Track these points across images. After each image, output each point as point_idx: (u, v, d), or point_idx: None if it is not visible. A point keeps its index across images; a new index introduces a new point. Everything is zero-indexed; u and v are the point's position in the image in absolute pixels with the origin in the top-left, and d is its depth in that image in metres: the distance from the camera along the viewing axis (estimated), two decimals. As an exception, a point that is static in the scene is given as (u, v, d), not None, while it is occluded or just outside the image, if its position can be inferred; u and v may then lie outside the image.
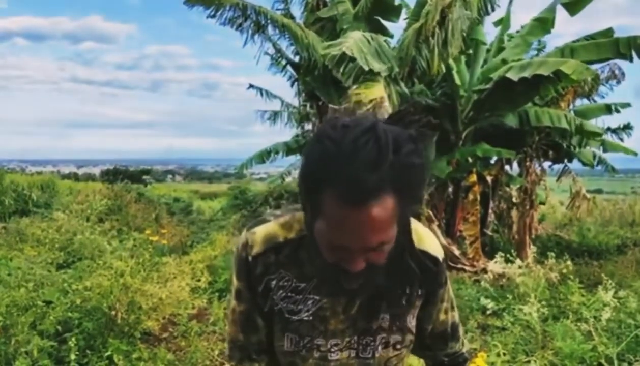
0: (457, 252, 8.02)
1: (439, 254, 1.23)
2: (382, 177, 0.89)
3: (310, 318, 1.16)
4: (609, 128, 9.97)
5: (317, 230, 0.98)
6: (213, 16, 7.76)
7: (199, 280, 4.65)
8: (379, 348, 1.20)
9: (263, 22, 7.97)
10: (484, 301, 4.87)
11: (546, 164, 9.96)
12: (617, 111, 9.52)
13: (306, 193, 0.99)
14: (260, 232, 1.17)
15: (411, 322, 1.23)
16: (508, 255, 6.04)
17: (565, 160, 9.97)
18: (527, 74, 7.06)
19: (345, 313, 1.17)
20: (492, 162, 9.45)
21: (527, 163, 9.45)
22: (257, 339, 1.23)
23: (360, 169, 0.88)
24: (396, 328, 1.20)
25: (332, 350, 1.18)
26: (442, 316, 1.30)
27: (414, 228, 1.15)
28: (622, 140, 9.98)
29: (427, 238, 1.22)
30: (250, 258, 1.15)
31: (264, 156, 10.74)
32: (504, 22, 9.34)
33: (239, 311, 1.22)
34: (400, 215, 0.96)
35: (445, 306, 1.29)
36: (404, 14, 8.67)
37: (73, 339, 3.54)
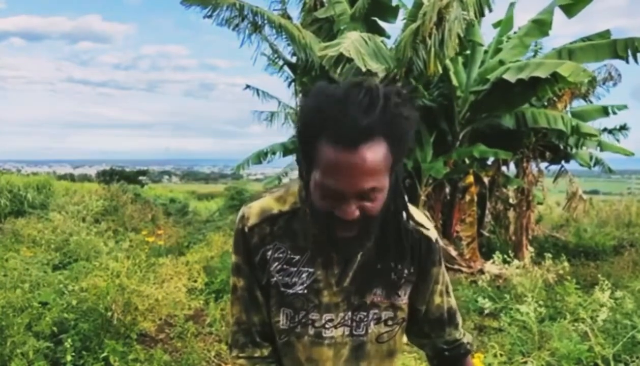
0: (454, 253, 8.02)
1: (433, 233, 1.26)
2: (373, 121, 0.95)
3: (305, 291, 1.19)
4: (605, 129, 10.00)
5: (313, 181, 1.03)
6: (210, 16, 7.76)
7: (195, 281, 4.63)
8: (372, 324, 1.22)
9: (260, 23, 7.98)
10: (481, 301, 4.87)
11: (543, 165, 9.98)
12: (614, 113, 9.54)
13: (303, 145, 1.04)
14: (256, 205, 1.22)
15: (403, 299, 1.24)
16: (505, 256, 6.04)
17: (562, 161, 10.00)
18: (524, 75, 7.07)
19: (339, 285, 1.19)
20: (489, 162, 9.46)
21: (524, 164, 9.46)
22: (259, 319, 1.24)
23: (353, 112, 0.95)
24: (388, 303, 1.22)
25: (327, 325, 1.20)
26: (437, 300, 1.30)
27: (410, 208, 1.20)
28: (618, 140, 10.02)
29: (421, 218, 1.26)
30: (246, 229, 1.20)
31: (260, 157, 10.72)
32: (503, 24, 9.35)
33: (240, 287, 1.24)
34: (392, 164, 1.02)
35: (440, 289, 1.30)
36: (401, 15, 8.67)
37: (69, 340, 3.53)
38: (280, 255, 1.19)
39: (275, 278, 1.20)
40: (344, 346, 1.22)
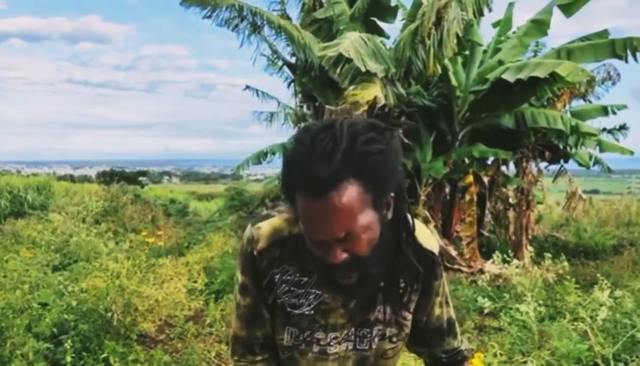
0: (453, 253, 8.02)
1: (435, 247, 1.25)
2: (337, 167, 0.93)
3: (312, 312, 1.19)
4: (604, 129, 10.00)
5: (301, 229, 1.04)
6: (209, 17, 7.76)
7: (195, 282, 4.64)
8: (376, 339, 1.22)
9: (259, 23, 7.97)
10: (481, 301, 4.87)
11: (542, 165, 9.98)
12: (614, 113, 9.54)
13: (286, 197, 1.04)
14: (265, 227, 1.20)
15: (408, 316, 1.25)
16: (505, 256, 6.04)
17: (562, 161, 9.99)
18: (523, 75, 7.07)
19: (345, 307, 1.19)
20: (489, 162, 9.46)
21: (524, 164, 9.46)
22: (262, 333, 1.25)
23: (316, 162, 0.94)
24: (393, 320, 1.22)
25: (331, 343, 1.20)
26: (437, 311, 1.30)
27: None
28: (617, 140, 10.01)
29: (422, 233, 1.23)
30: (255, 252, 1.18)
31: (260, 157, 10.73)
32: (502, 24, 9.35)
33: (244, 305, 1.24)
34: (375, 201, 0.99)
35: (439, 301, 1.30)
36: (400, 15, 8.68)
37: (69, 341, 3.53)
38: (289, 278, 1.19)
39: (281, 299, 1.20)
40: (347, 360, 1.23)
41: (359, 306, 1.19)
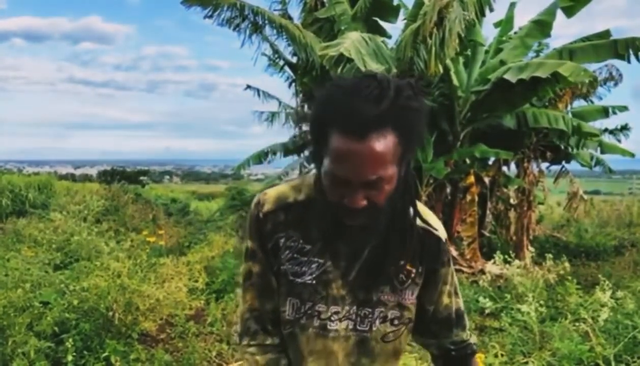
0: (455, 253, 8.01)
1: (442, 233, 1.26)
2: (383, 112, 0.97)
3: (314, 282, 1.19)
4: (606, 129, 10.00)
5: (323, 169, 1.05)
6: (210, 17, 7.76)
7: (196, 281, 4.65)
8: (377, 322, 1.22)
9: (261, 23, 7.98)
10: (482, 301, 4.86)
11: (544, 165, 9.98)
12: (614, 113, 9.54)
13: (315, 135, 1.06)
14: (272, 192, 1.23)
15: (410, 299, 1.25)
16: (506, 256, 6.04)
17: (563, 161, 9.99)
18: (525, 75, 7.07)
19: (344, 278, 1.19)
20: (490, 163, 9.45)
21: (525, 165, 9.46)
22: (271, 306, 1.24)
23: (363, 103, 0.97)
24: (395, 303, 1.22)
25: (332, 318, 1.20)
26: (445, 300, 1.30)
27: (419, 207, 1.21)
28: (619, 141, 10.01)
29: (431, 218, 1.26)
30: (261, 215, 1.21)
31: (261, 157, 10.73)
32: (504, 24, 9.34)
33: (255, 273, 1.24)
34: (401, 156, 1.03)
35: (448, 290, 1.30)
36: (402, 15, 8.67)
37: (70, 340, 3.54)
38: (292, 244, 1.20)
39: (285, 267, 1.20)
40: (347, 340, 1.22)
41: (360, 281, 1.20)
